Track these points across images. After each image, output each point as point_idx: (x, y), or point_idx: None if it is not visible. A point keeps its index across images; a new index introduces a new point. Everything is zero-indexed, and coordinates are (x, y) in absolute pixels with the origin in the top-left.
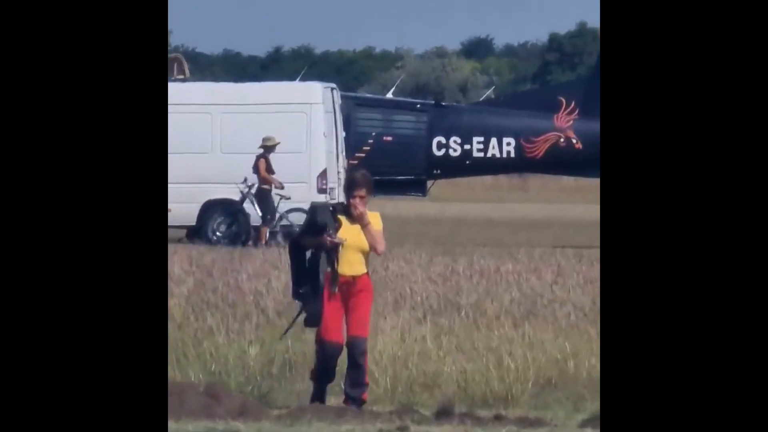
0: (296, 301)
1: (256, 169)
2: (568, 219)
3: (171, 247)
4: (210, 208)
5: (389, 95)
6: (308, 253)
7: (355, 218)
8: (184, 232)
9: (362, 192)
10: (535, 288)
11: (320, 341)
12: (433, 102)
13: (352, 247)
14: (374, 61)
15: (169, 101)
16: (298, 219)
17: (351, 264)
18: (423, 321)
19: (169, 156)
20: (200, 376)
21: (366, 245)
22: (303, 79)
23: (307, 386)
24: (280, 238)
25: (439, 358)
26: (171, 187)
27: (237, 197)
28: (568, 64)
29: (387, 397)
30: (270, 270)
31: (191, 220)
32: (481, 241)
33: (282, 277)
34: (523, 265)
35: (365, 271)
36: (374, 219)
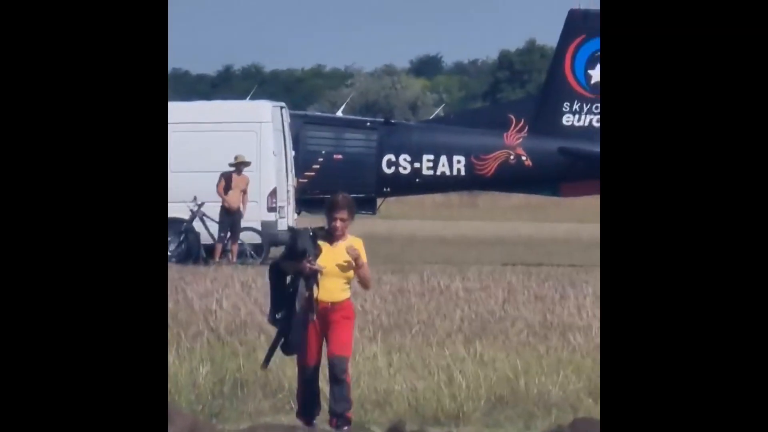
0: (273, 326)
1: (217, 186)
2: (518, 237)
3: None
4: None
5: (339, 113)
6: (288, 278)
7: (351, 259)
8: None
9: (343, 214)
10: (486, 306)
11: (300, 367)
12: (383, 120)
13: (332, 274)
14: (324, 79)
15: None
16: (249, 238)
17: (330, 291)
18: (374, 339)
19: None
20: None
21: (346, 272)
22: (253, 98)
23: (257, 405)
24: (229, 255)
25: (390, 376)
26: None
27: (187, 216)
28: (518, 82)
29: None
30: (221, 288)
31: None
32: (431, 259)
33: (233, 295)
34: (474, 283)
35: (346, 297)
36: (356, 244)
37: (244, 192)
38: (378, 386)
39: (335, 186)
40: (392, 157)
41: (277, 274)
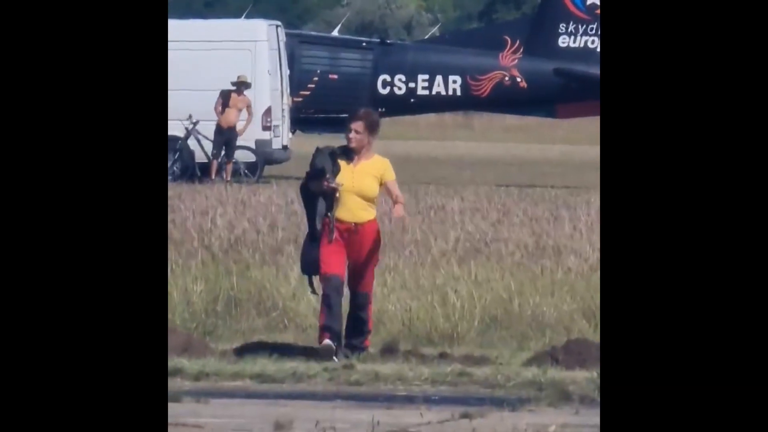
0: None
1: (215, 103)
2: (512, 157)
3: None
4: None
5: (334, 33)
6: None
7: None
8: None
9: (358, 126)
10: (480, 226)
11: (322, 276)
12: (378, 40)
13: (352, 192)
14: None
15: None
16: (243, 157)
17: (351, 210)
18: None
19: None
20: None
21: (368, 190)
22: (248, 17)
23: (251, 323)
24: (223, 174)
25: (384, 296)
26: None
27: (182, 134)
28: (513, 2)
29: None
30: (215, 206)
31: None
32: (425, 179)
33: (227, 213)
34: (468, 204)
35: (370, 218)
36: (385, 167)
37: (249, 113)
38: (372, 306)
39: (330, 105)
40: (387, 77)
41: (305, 194)
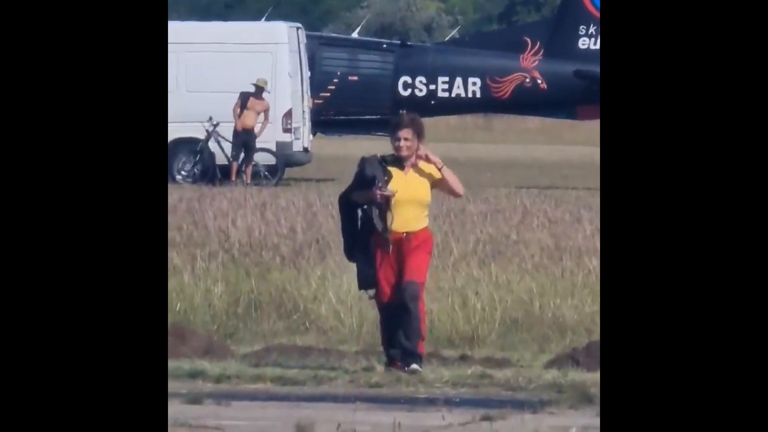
0: (351, 262)
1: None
2: (533, 159)
3: None
4: (175, 147)
5: (354, 35)
6: (359, 210)
7: (424, 160)
8: None
9: (407, 133)
10: (501, 228)
11: (379, 305)
12: (399, 42)
13: (405, 200)
14: (339, 1)
15: None
16: (264, 159)
17: (405, 219)
18: None
19: None
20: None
21: (422, 196)
22: (268, 20)
23: (272, 326)
24: (243, 176)
25: None
26: None
27: (202, 136)
28: (533, 4)
29: (353, 337)
30: (236, 209)
31: None
32: None
33: (248, 216)
34: (489, 206)
35: (422, 225)
36: (428, 165)
37: (265, 117)
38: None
39: (350, 107)
40: (408, 79)
41: (347, 205)
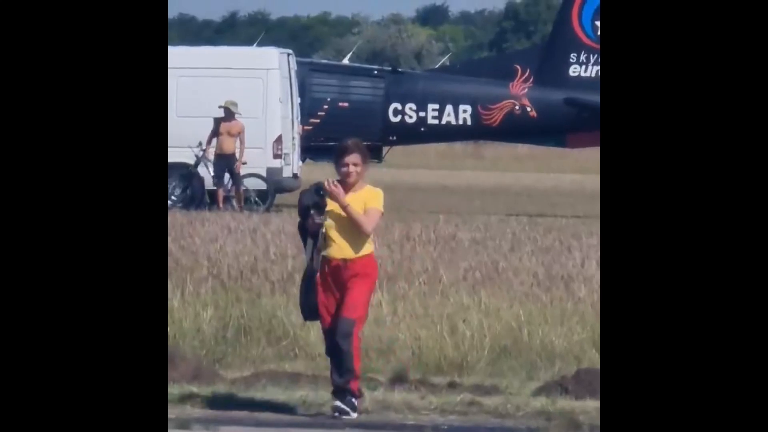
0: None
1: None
2: (522, 187)
3: None
4: None
5: (345, 61)
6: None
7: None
8: None
9: (355, 159)
10: (491, 256)
11: (324, 333)
12: (389, 68)
13: (344, 228)
14: (330, 27)
15: None
16: (254, 185)
17: (341, 247)
18: (378, 287)
19: None
20: None
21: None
22: (259, 45)
23: (261, 352)
24: (233, 202)
25: (394, 325)
26: None
27: (192, 161)
28: (524, 32)
29: None
30: (226, 234)
31: None
32: (435, 209)
33: (238, 241)
34: (478, 233)
35: (363, 253)
36: (372, 196)
37: (241, 139)
38: (382, 335)
39: (341, 133)
40: (398, 105)
41: (302, 232)
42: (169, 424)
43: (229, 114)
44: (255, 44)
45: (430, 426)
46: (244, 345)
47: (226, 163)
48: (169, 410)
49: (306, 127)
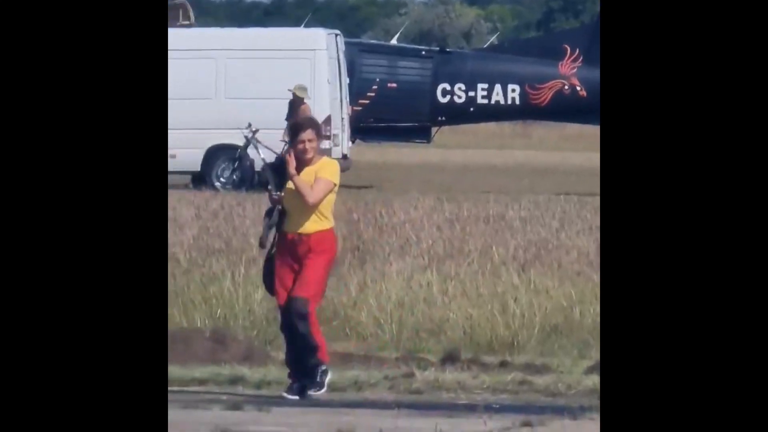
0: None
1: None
2: (570, 166)
3: (176, 193)
4: (214, 154)
5: (394, 41)
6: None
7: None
8: (188, 178)
9: (309, 134)
10: (540, 234)
11: (279, 310)
12: (438, 48)
13: (297, 202)
14: (377, 7)
15: (174, 47)
16: None
17: (297, 221)
18: (429, 267)
19: (174, 101)
20: (206, 321)
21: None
22: (307, 26)
23: None
24: None
25: (445, 305)
26: (175, 133)
27: (241, 143)
28: (572, 11)
29: (393, 343)
30: None
31: (195, 165)
32: (485, 188)
33: None
34: (528, 212)
35: (318, 228)
36: (323, 166)
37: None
38: (433, 315)
39: (389, 114)
40: (447, 85)
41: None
42: (221, 406)
43: (297, 98)
44: (302, 25)
45: (482, 405)
46: None
47: None
48: (221, 391)
49: (355, 108)
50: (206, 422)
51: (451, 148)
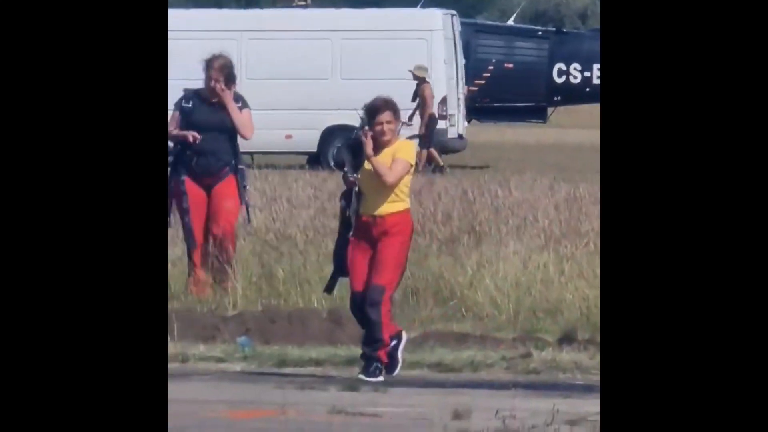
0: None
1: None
2: None
3: (293, 174)
4: (329, 134)
5: (510, 22)
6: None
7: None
8: (305, 158)
9: (387, 116)
10: None
11: (350, 293)
12: (554, 29)
13: (375, 184)
14: None
15: (291, 27)
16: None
17: (372, 203)
18: (545, 248)
19: (290, 82)
20: (323, 301)
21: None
22: (423, 6)
23: (428, 312)
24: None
25: (562, 285)
26: (291, 114)
27: (356, 123)
28: None
29: (510, 323)
30: None
31: (311, 146)
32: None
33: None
34: None
35: (394, 210)
36: (401, 147)
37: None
38: (550, 295)
39: (505, 94)
40: (563, 66)
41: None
42: (338, 387)
43: (417, 78)
44: (419, 6)
45: (599, 385)
46: (411, 306)
47: (431, 124)
48: (337, 373)
49: (471, 89)
50: (322, 403)
51: (567, 128)
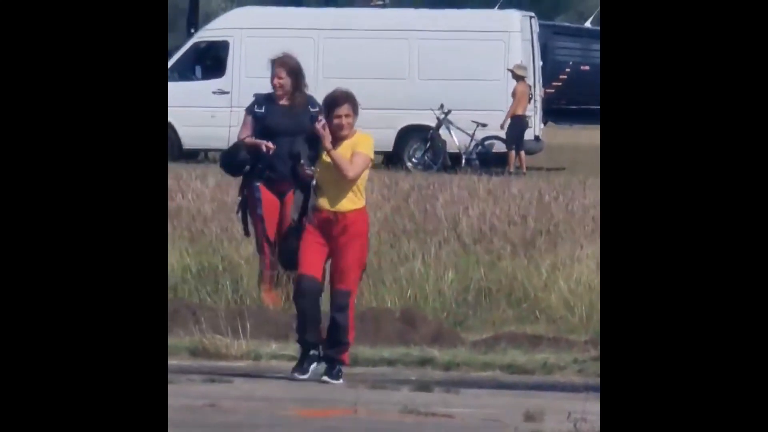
0: None
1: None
2: None
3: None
4: (406, 134)
5: (587, 24)
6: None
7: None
8: (380, 158)
9: (346, 110)
10: None
11: (296, 278)
12: None
13: (334, 179)
14: None
15: (368, 27)
16: (496, 148)
17: (332, 198)
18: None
19: (367, 81)
20: (396, 302)
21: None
22: (501, 8)
23: (501, 314)
24: (476, 164)
25: None
26: (367, 113)
27: (433, 123)
28: None
29: (582, 326)
30: (467, 197)
31: (388, 145)
32: None
33: (479, 204)
34: None
35: (354, 206)
36: (360, 141)
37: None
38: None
39: (582, 97)
40: None
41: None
42: (410, 387)
43: (516, 77)
44: (497, 7)
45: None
46: (484, 307)
47: (518, 124)
48: (410, 373)
49: (548, 90)
50: (394, 402)
51: None
